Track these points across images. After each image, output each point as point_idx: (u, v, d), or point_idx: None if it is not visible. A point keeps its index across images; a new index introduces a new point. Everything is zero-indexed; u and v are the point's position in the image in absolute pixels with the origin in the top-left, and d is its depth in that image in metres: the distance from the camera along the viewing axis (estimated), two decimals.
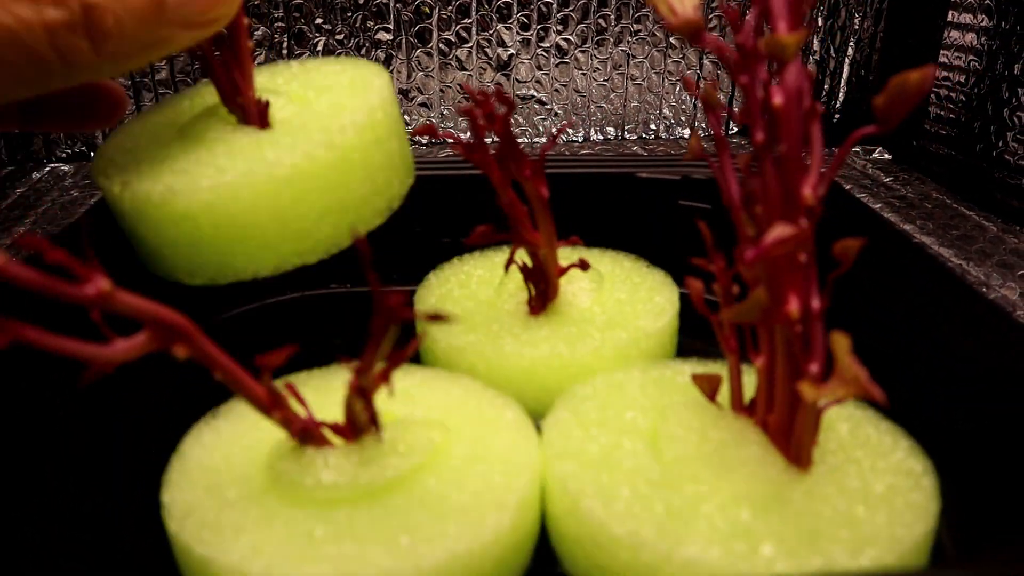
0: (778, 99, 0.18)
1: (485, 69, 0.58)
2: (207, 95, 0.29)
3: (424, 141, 0.60)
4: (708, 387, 0.22)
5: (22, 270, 0.13)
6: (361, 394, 0.18)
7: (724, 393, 0.22)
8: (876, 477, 0.20)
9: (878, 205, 0.47)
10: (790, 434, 0.20)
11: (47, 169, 0.56)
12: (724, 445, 0.20)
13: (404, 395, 0.23)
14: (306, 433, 0.20)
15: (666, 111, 0.61)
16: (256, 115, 0.27)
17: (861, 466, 0.21)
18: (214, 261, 0.25)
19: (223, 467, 0.21)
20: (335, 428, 0.21)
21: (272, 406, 0.18)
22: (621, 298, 0.28)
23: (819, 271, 0.19)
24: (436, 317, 0.17)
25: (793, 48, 0.17)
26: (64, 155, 0.57)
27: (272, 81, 0.29)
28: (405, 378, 0.24)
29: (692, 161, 0.27)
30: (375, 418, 0.20)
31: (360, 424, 0.20)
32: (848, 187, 0.51)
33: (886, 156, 0.57)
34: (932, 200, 0.49)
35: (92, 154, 0.57)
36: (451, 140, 0.25)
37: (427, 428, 0.21)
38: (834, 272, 0.19)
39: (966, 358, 0.25)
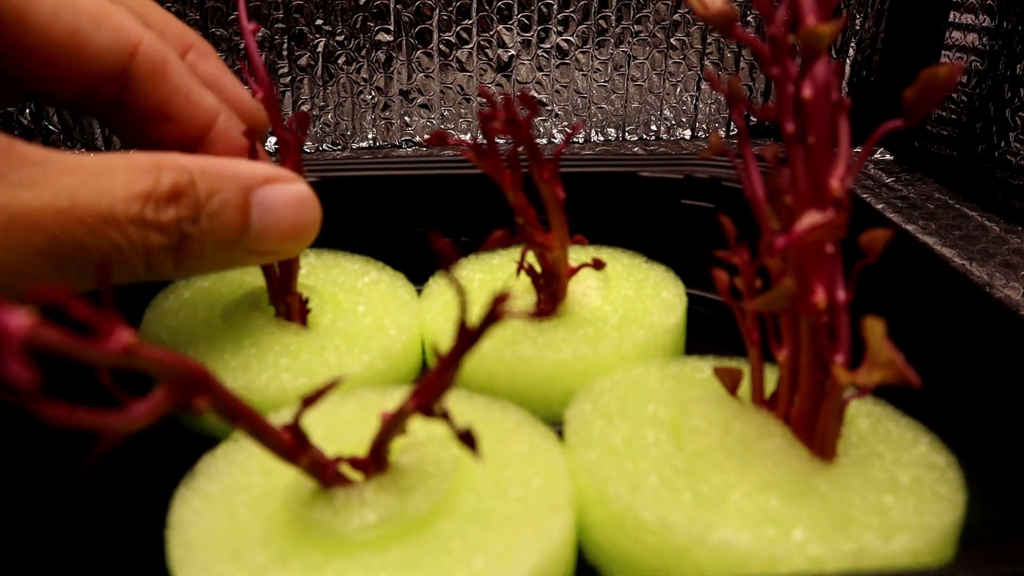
0: (808, 91, 0.18)
1: (486, 70, 0.58)
2: (244, 276, 0.31)
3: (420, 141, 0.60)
4: (729, 381, 0.22)
5: (53, 334, 0.12)
6: (426, 412, 0.17)
7: (744, 389, 0.22)
8: (901, 469, 0.20)
9: (880, 205, 0.48)
10: (814, 426, 0.20)
11: None
12: (747, 437, 0.20)
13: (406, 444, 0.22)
14: (335, 476, 0.19)
15: (667, 112, 0.61)
16: (298, 314, 0.28)
17: (884, 459, 0.21)
18: None
19: (235, 531, 0.19)
20: (355, 463, 0.19)
21: (299, 452, 0.17)
22: (629, 295, 0.28)
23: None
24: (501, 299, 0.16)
25: (828, 38, 0.17)
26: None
27: (311, 273, 0.31)
28: (382, 397, 0.24)
29: (712, 157, 0.27)
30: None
31: (385, 455, 0.19)
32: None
33: (888, 157, 0.57)
34: (934, 200, 0.49)
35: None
36: (462, 146, 0.25)
37: (443, 444, 0.20)
38: (860, 263, 0.19)
39: (974, 355, 0.25)
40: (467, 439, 0.17)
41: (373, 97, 0.58)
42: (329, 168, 0.35)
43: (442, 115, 0.59)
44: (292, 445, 0.17)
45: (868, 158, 0.57)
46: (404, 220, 0.35)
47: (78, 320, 0.13)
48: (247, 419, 0.16)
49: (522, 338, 0.25)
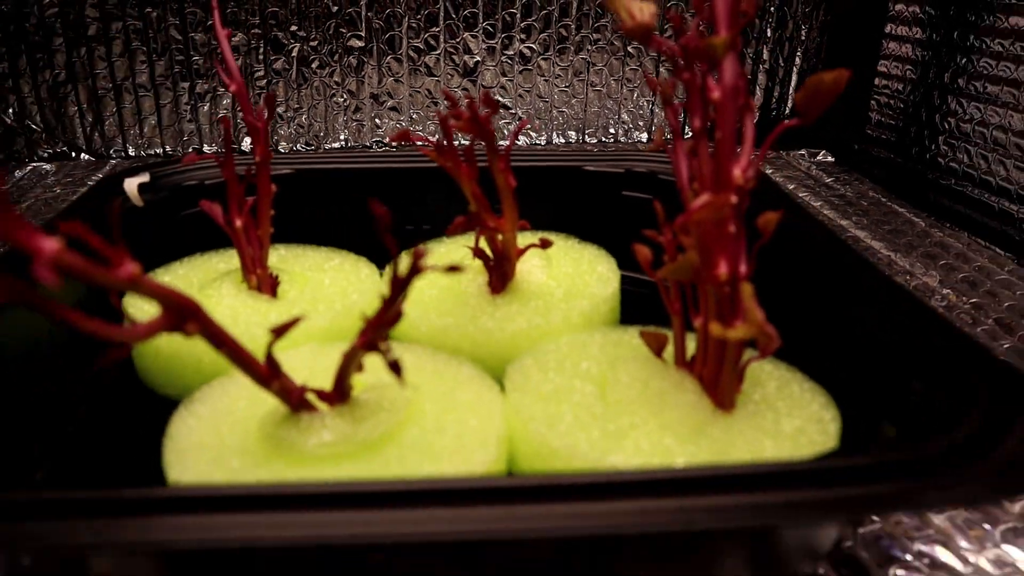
0: (716, 93, 0.21)
1: (452, 75, 0.61)
2: (218, 263, 0.34)
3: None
4: (655, 344, 0.25)
5: (75, 258, 0.15)
6: (370, 348, 0.20)
7: (668, 352, 0.25)
8: (788, 421, 0.23)
9: (819, 203, 0.51)
10: (718, 383, 0.23)
11: (29, 168, 0.57)
12: (663, 391, 0.23)
13: (367, 366, 0.25)
14: (301, 401, 0.22)
15: (624, 116, 0.64)
16: (268, 287, 0.31)
17: (778, 413, 0.24)
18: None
19: (218, 443, 0.23)
20: (321, 395, 0.23)
21: (271, 378, 0.20)
22: (569, 271, 0.31)
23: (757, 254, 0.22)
24: (454, 268, 0.19)
25: (721, 49, 0.20)
26: (46, 155, 0.59)
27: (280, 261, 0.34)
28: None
29: (653, 152, 0.30)
30: (350, 385, 0.23)
31: (347, 389, 0.22)
32: (792, 186, 0.54)
33: (829, 159, 0.61)
34: (868, 199, 0.52)
35: (72, 154, 0.59)
36: (423, 143, 0.28)
37: (399, 388, 0.24)
38: (758, 242, 0.22)
39: (867, 326, 0.28)
40: (395, 368, 0.21)
41: (345, 100, 0.61)
42: (300, 162, 0.37)
43: (411, 117, 0.62)
44: (266, 372, 0.20)
45: (812, 160, 0.61)
46: (368, 211, 0.38)
47: (95, 251, 0.16)
48: (228, 345, 0.19)
49: (481, 314, 0.28)
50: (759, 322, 0.19)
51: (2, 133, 0.57)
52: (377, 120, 0.62)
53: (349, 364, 0.21)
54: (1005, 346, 0.35)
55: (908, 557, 0.23)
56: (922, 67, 0.55)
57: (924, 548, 0.24)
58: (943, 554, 0.24)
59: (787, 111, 0.65)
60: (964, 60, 0.51)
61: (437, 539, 0.15)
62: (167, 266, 0.33)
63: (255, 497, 0.16)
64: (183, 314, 0.17)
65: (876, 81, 0.60)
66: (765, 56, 0.63)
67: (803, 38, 0.63)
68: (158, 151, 0.60)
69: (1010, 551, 0.23)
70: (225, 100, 0.59)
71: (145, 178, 0.34)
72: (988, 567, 0.23)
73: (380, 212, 0.19)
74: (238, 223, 0.29)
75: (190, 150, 0.60)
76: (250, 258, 0.30)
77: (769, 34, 0.62)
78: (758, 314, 0.19)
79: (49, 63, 0.56)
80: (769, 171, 0.58)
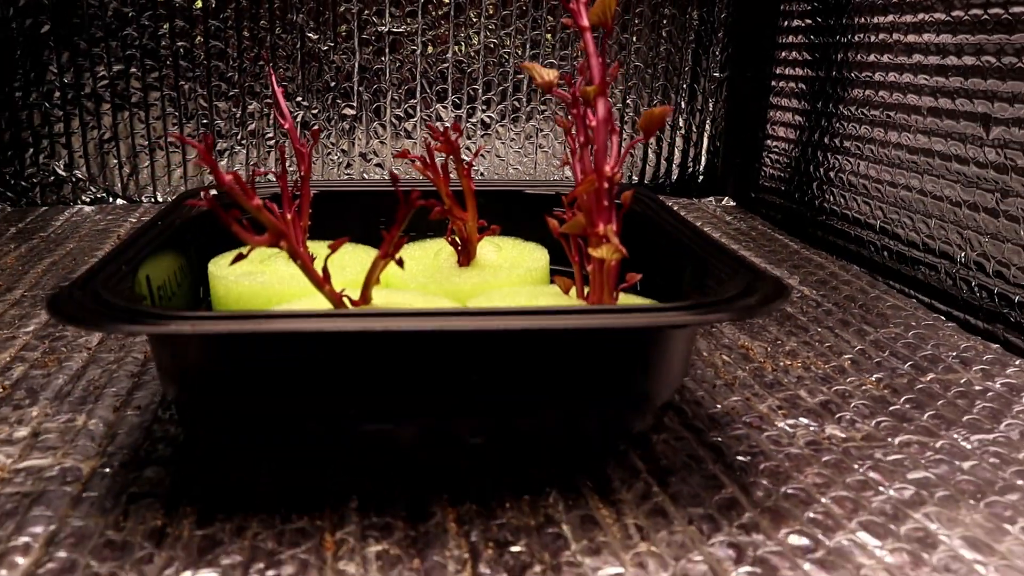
0: (593, 122, 0.34)
1: (427, 138, 0.74)
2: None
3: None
4: (564, 285, 0.37)
5: (236, 186, 0.27)
6: (388, 258, 0.31)
7: (574, 292, 0.38)
8: None
9: (718, 234, 0.65)
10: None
11: (75, 209, 0.69)
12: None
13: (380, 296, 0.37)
14: (339, 301, 0.33)
15: (567, 172, 0.78)
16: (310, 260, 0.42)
17: None
18: None
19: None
20: (352, 300, 0.34)
21: (324, 283, 0.32)
22: (513, 254, 0.43)
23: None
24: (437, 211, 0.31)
25: (592, 95, 0.33)
26: (88, 199, 0.71)
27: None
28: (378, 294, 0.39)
29: (563, 166, 0.42)
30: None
31: (369, 295, 0.33)
32: (700, 223, 0.68)
33: (732, 203, 0.75)
34: (757, 231, 0.66)
35: (110, 199, 0.71)
36: (414, 159, 0.41)
37: (400, 298, 0.36)
38: (621, 210, 0.35)
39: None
40: (400, 263, 0.32)
41: (339, 157, 0.74)
42: (319, 187, 0.50)
43: (393, 172, 0.75)
44: (321, 278, 0.32)
45: (718, 204, 0.75)
46: (372, 221, 0.50)
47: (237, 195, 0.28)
48: (302, 257, 0.30)
49: (452, 276, 0.40)
50: (615, 244, 0.32)
51: (53, 181, 0.69)
52: (364, 175, 0.75)
53: (372, 273, 0.33)
54: (838, 316, 0.48)
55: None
56: (801, 131, 0.70)
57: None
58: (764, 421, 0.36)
59: (701, 168, 0.79)
60: (833, 125, 0.65)
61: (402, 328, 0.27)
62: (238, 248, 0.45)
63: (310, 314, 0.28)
64: (279, 234, 0.29)
65: (767, 143, 0.75)
66: (680, 124, 0.78)
67: (710, 109, 0.77)
68: None
69: (800, 421, 0.36)
70: (240, 156, 0.72)
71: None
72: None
73: (406, 191, 0.31)
74: (288, 216, 0.41)
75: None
76: (295, 240, 0.41)
77: (683, 106, 0.77)
78: (615, 240, 0.32)
79: (97, 124, 0.69)
80: (682, 212, 0.71)
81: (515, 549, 0.26)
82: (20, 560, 0.25)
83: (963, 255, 0.51)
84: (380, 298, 0.35)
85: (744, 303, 0.28)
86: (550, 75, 0.35)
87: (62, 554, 0.25)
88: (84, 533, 0.26)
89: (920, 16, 0.55)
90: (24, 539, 0.26)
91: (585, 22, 0.34)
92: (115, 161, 0.70)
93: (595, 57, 0.34)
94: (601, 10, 0.34)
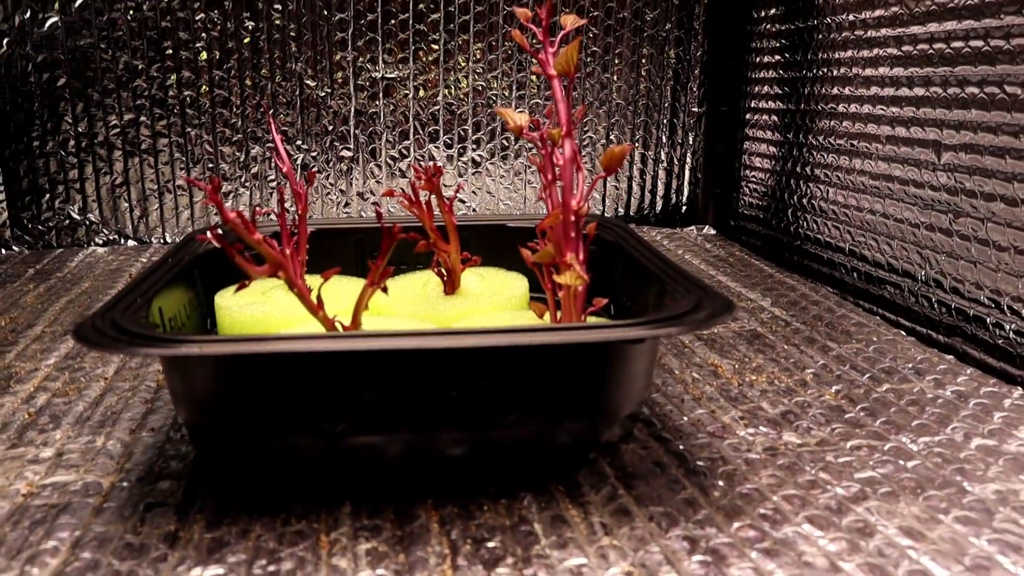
0: (560, 161, 0.38)
1: (420, 177, 0.78)
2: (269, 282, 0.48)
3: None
4: (539, 310, 0.40)
5: (237, 221, 0.30)
6: (375, 286, 0.34)
7: (548, 315, 0.41)
8: None
9: (698, 261, 0.68)
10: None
11: (89, 251, 0.73)
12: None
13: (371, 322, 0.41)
14: (332, 326, 0.37)
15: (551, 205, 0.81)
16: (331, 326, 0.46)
17: None
18: None
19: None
20: (344, 326, 0.38)
21: (319, 309, 0.35)
22: (495, 283, 0.46)
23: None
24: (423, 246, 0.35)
25: (557, 137, 0.36)
26: (100, 241, 0.75)
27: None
28: (369, 320, 0.42)
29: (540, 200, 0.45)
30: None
31: (359, 320, 0.37)
32: (681, 251, 0.71)
33: (712, 232, 0.78)
34: (736, 257, 0.69)
35: (122, 240, 0.75)
36: (400, 196, 0.44)
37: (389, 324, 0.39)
38: (587, 241, 0.38)
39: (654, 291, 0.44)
40: (384, 290, 0.36)
41: (338, 197, 0.78)
42: (316, 225, 0.53)
43: (388, 211, 0.79)
44: (316, 305, 0.35)
45: (699, 232, 0.78)
46: (365, 255, 0.54)
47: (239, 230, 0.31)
48: (298, 286, 0.34)
49: (439, 303, 0.44)
50: (578, 271, 0.35)
51: (68, 224, 0.73)
52: (362, 213, 0.79)
53: (361, 301, 0.36)
54: (805, 334, 0.51)
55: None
56: (775, 161, 0.74)
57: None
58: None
59: (684, 199, 0.83)
60: (804, 155, 0.69)
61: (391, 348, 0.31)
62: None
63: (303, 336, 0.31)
64: (278, 265, 0.32)
65: (745, 172, 0.78)
66: (663, 157, 0.82)
67: (690, 143, 0.81)
68: None
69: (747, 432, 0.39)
70: (244, 197, 0.76)
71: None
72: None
73: (388, 227, 0.35)
74: (288, 250, 0.44)
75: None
76: (293, 271, 0.45)
77: (664, 140, 0.81)
78: (579, 268, 0.35)
79: (110, 170, 0.73)
80: (665, 241, 0.75)
81: (490, 545, 0.29)
82: (50, 560, 0.28)
83: (923, 273, 0.54)
84: (371, 324, 0.39)
85: (693, 317, 0.31)
86: (521, 119, 0.39)
87: (86, 555, 0.28)
88: (106, 537, 0.29)
89: (875, 51, 0.59)
90: (53, 543, 0.29)
91: (552, 71, 0.38)
92: (126, 204, 0.74)
93: (561, 103, 0.38)
94: (565, 60, 0.38)
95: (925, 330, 0.54)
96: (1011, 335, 0.47)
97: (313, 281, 0.47)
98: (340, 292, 0.45)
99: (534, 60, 0.39)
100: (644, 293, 0.40)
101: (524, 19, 0.40)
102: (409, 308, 0.43)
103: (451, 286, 0.45)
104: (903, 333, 0.52)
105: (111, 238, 0.75)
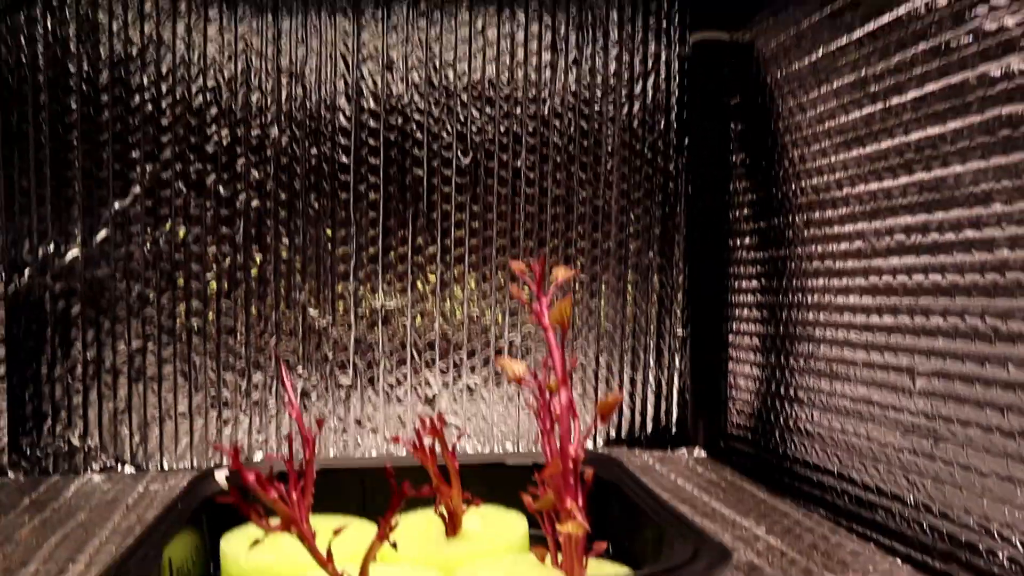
0: (558, 409, 0.40)
1: (417, 403, 0.81)
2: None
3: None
4: (541, 554, 0.41)
5: (254, 482, 0.32)
6: (383, 539, 0.35)
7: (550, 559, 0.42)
8: None
9: (690, 486, 0.69)
10: (572, 571, 0.39)
11: (85, 479, 0.73)
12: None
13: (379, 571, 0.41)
14: None
15: None
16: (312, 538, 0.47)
17: None
18: None
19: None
20: None
21: (328, 563, 0.36)
22: (495, 524, 0.47)
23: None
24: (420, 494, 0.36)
25: (555, 386, 0.39)
26: (97, 467, 0.75)
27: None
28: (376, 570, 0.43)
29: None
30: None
31: (367, 571, 0.37)
32: (673, 476, 0.72)
33: (703, 454, 0.80)
34: (727, 480, 0.70)
35: (119, 467, 0.76)
36: (406, 443, 0.46)
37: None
38: (585, 487, 0.39)
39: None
40: (394, 545, 0.36)
41: (335, 424, 0.79)
42: (320, 464, 0.55)
43: (385, 437, 0.80)
44: (324, 558, 0.36)
45: (691, 456, 0.80)
46: (367, 499, 0.54)
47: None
48: (309, 540, 0.35)
49: (444, 547, 0.44)
50: (579, 520, 0.36)
51: (67, 451, 0.74)
52: (359, 439, 0.80)
53: (370, 553, 0.37)
54: (802, 565, 0.51)
55: None
56: (759, 382, 0.77)
57: None
58: None
59: (674, 420, 0.85)
60: (787, 376, 0.72)
61: None
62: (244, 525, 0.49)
63: None
64: (291, 521, 0.34)
65: (732, 393, 0.81)
66: (651, 379, 0.85)
67: (676, 365, 0.85)
68: (185, 464, 0.77)
69: None
70: (243, 425, 0.78)
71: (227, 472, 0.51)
72: None
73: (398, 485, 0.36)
74: (294, 496, 0.45)
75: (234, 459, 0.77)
76: (302, 524, 0.46)
77: (651, 363, 0.84)
78: (580, 517, 0.36)
79: (113, 396, 0.75)
80: (657, 465, 0.76)
81: None
82: None
83: (911, 497, 0.55)
84: (377, 574, 0.39)
85: (692, 569, 0.32)
86: (520, 369, 0.41)
87: None
88: None
89: (845, 280, 0.63)
90: None
91: (546, 323, 0.42)
92: (126, 431, 0.76)
93: (557, 352, 0.41)
94: (559, 313, 0.41)
95: (920, 556, 0.54)
96: (1005, 562, 0.47)
97: (317, 523, 0.47)
98: (345, 534, 0.46)
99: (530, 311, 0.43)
100: (642, 537, 0.41)
101: (519, 272, 0.44)
102: (413, 552, 0.44)
103: (452, 528, 0.46)
104: (899, 561, 0.53)
105: (108, 464, 0.76)
